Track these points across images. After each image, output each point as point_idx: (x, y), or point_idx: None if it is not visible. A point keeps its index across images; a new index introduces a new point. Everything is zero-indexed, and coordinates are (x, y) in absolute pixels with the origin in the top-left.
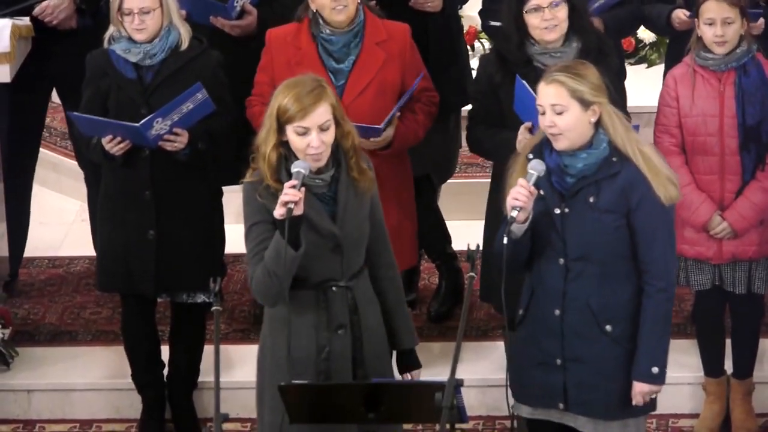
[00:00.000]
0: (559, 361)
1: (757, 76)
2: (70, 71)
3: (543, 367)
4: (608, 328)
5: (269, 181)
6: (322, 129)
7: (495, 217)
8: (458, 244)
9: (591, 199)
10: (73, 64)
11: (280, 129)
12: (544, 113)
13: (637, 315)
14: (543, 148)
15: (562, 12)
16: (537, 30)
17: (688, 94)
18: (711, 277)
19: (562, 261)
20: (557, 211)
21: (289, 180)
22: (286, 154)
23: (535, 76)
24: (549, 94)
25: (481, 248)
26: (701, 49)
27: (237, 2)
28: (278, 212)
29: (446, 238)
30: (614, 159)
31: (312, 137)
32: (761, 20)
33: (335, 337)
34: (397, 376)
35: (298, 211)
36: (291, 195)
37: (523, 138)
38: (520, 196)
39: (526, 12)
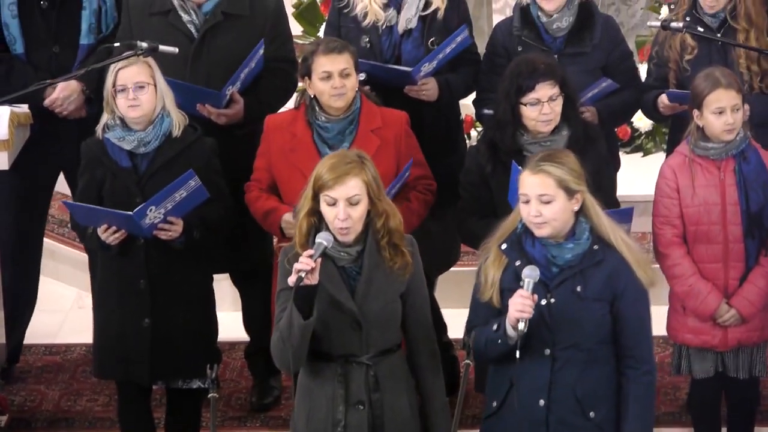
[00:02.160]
0: None
1: (756, 162)
2: (76, 157)
3: None
4: (592, 414)
5: (298, 249)
6: (351, 203)
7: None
8: (454, 332)
9: (578, 289)
10: (78, 151)
11: (315, 197)
12: (527, 202)
13: (615, 398)
14: (522, 239)
15: (559, 105)
16: (532, 122)
17: (689, 184)
18: (714, 365)
19: (548, 351)
20: (543, 301)
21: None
22: (317, 224)
23: (524, 166)
24: (535, 184)
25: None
26: (700, 138)
27: (228, 89)
28: (291, 279)
29: (442, 327)
30: (596, 247)
31: (339, 209)
32: (746, 106)
33: (352, 411)
34: None
35: (312, 280)
36: (304, 264)
37: None
38: (525, 307)
39: (523, 104)
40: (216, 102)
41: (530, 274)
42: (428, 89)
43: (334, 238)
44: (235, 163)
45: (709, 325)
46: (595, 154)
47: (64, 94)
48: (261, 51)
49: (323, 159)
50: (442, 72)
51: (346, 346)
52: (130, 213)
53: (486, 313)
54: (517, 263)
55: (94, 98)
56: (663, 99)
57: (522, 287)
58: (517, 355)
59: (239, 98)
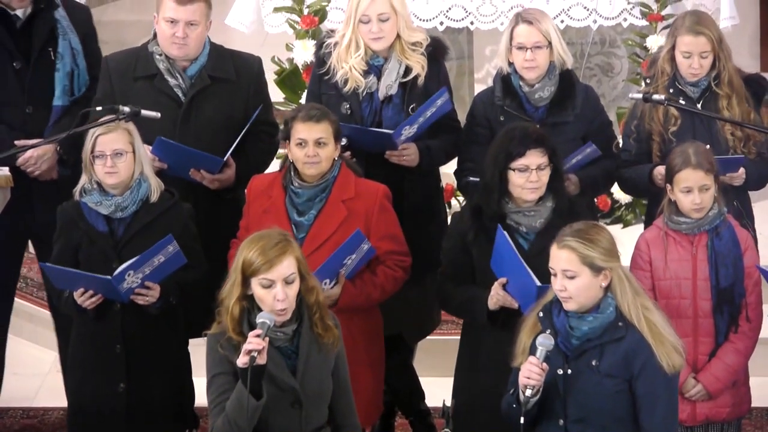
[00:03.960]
0: None
1: (729, 238)
2: (47, 222)
3: None
4: None
5: (231, 334)
6: (287, 282)
7: (464, 373)
8: (432, 400)
9: (594, 362)
10: (50, 215)
11: (245, 282)
12: (555, 275)
13: None
14: (552, 307)
15: (546, 175)
16: (519, 188)
17: (661, 257)
18: None
19: (561, 422)
20: (560, 371)
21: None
22: (249, 308)
23: (508, 234)
24: (561, 259)
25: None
26: (673, 213)
27: (228, 155)
28: (241, 360)
29: (420, 395)
30: (620, 324)
31: (277, 290)
32: (741, 169)
33: None
34: None
35: (261, 360)
36: (255, 343)
37: (496, 294)
38: (532, 375)
39: (512, 169)
40: (213, 167)
41: (543, 342)
42: (409, 154)
43: None
44: (221, 226)
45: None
46: None
47: (37, 153)
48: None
49: (246, 243)
50: (422, 138)
51: (285, 426)
52: (108, 277)
53: (516, 379)
54: (547, 332)
55: (67, 160)
56: (661, 170)
57: (536, 355)
58: (521, 421)
59: (232, 163)
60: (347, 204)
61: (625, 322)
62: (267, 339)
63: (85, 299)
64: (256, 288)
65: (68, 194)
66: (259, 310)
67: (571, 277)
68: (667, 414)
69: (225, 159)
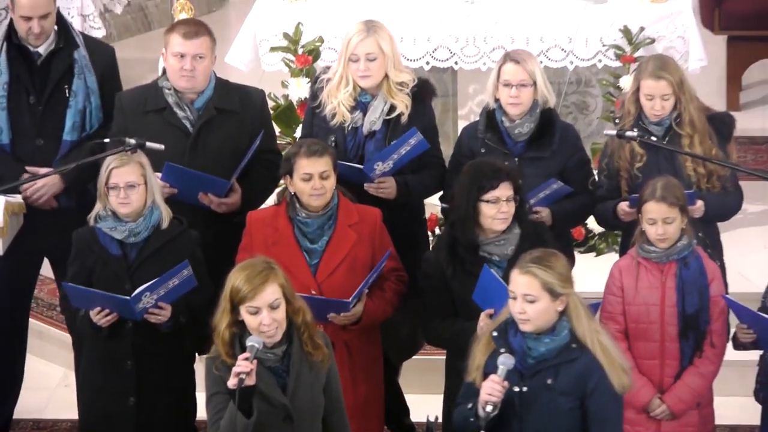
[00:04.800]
0: None
1: (696, 268)
2: (58, 246)
3: None
4: None
5: (224, 357)
6: (272, 307)
7: (452, 392)
8: (416, 416)
9: (549, 381)
10: (61, 240)
11: (234, 309)
12: (515, 299)
13: None
14: (508, 327)
15: (513, 207)
16: (488, 219)
17: (632, 284)
18: None
19: None
20: (516, 389)
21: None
22: (239, 333)
23: (482, 264)
24: (522, 284)
25: (440, 420)
26: (644, 242)
27: (233, 179)
28: (231, 382)
29: (405, 411)
30: (574, 345)
31: (263, 315)
32: (699, 202)
33: None
34: None
35: (250, 381)
36: (243, 366)
37: (485, 325)
38: (494, 392)
39: (484, 201)
40: (220, 190)
41: (504, 362)
42: (385, 187)
43: None
44: (226, 249)
45: (644, 417)
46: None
47: (43, 182)
48: (257, 142)
49: (232, 272)
50: (405, 172)
51: None
52: (127, 297)
53: (470, 394)
54: (501, 351)
55: (72, 189)
56: (623, 207)
57: (496, 373)
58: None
59: (238, 187)
60: (354, 228)
61: (578, 344)
62: (255, 362)
63: (100, 317)
64: (244, 315)
65: (75, 224)
66: (249, 333)
67: (531, 301)
68: (615, 430)
69: (231, 183)
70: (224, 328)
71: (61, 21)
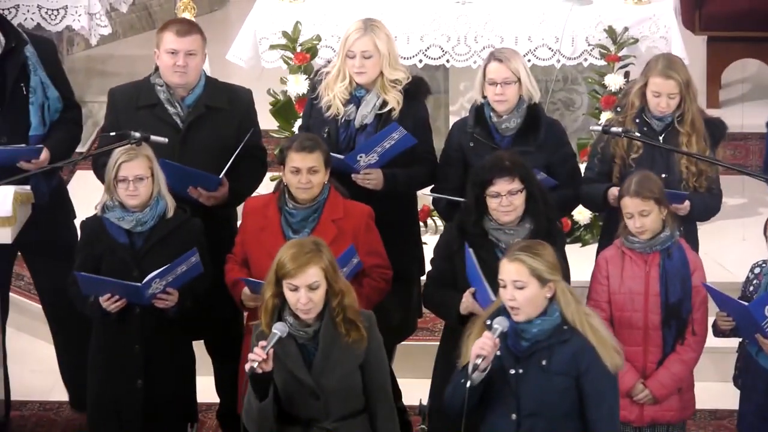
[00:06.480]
0: None
1: (678, 259)
2: (32, 240)
3: None
4: None
5: (264, 328)
6: (311, 288)
7: (442, 375)
8: (408, 399)
9: (543, 362)
10: (34, 234)
11: (278, 282)
12: (505, 287)
13: None
14: (501, 314)
15: (519, 199)
16: (494, 212)
17: (618, 273)
18: None
19: (514, 416)
20: (512, 371)
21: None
22: (280, 305)
23: (489, 248)
24: (511, 271)
25: (428, 402)
26: (628, 233)
27: (222, 175)
28: (246, 365)
29: (397, 394)
30: (565, 327)
31: (301, 294)
32: (686, 202)
33: None
34: None
35: (266, 367)
36: (255, 355)
37: (467, 300)
38: (485, 345)
39: (487, 195)
40: (210, 185)
41: (500, 322)
42: (371, 179)
43: (296, 317)
44: (212, 240)
45: (627, 401)
46: (554, 249)
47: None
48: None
49: (284, 247)
50: (396, 166)
51: (309, 413)
52: (139, 284)
53: (459, 379)
54: (488, 321)
55: (54, 172)
56: (614, 192)
57: (490, 331)
58: (467, 385)
59: (226, 182)
60: (337, 223)
61: (569, 327)
62: (271, 351)
63: (110, 303)
64: (285, 289)
65: (50, 219)
66: (290, 308)
67: (520, 288)
68: (612, 408)
69: (220, 178)
70: (269, 297)
71: (4, 22)
